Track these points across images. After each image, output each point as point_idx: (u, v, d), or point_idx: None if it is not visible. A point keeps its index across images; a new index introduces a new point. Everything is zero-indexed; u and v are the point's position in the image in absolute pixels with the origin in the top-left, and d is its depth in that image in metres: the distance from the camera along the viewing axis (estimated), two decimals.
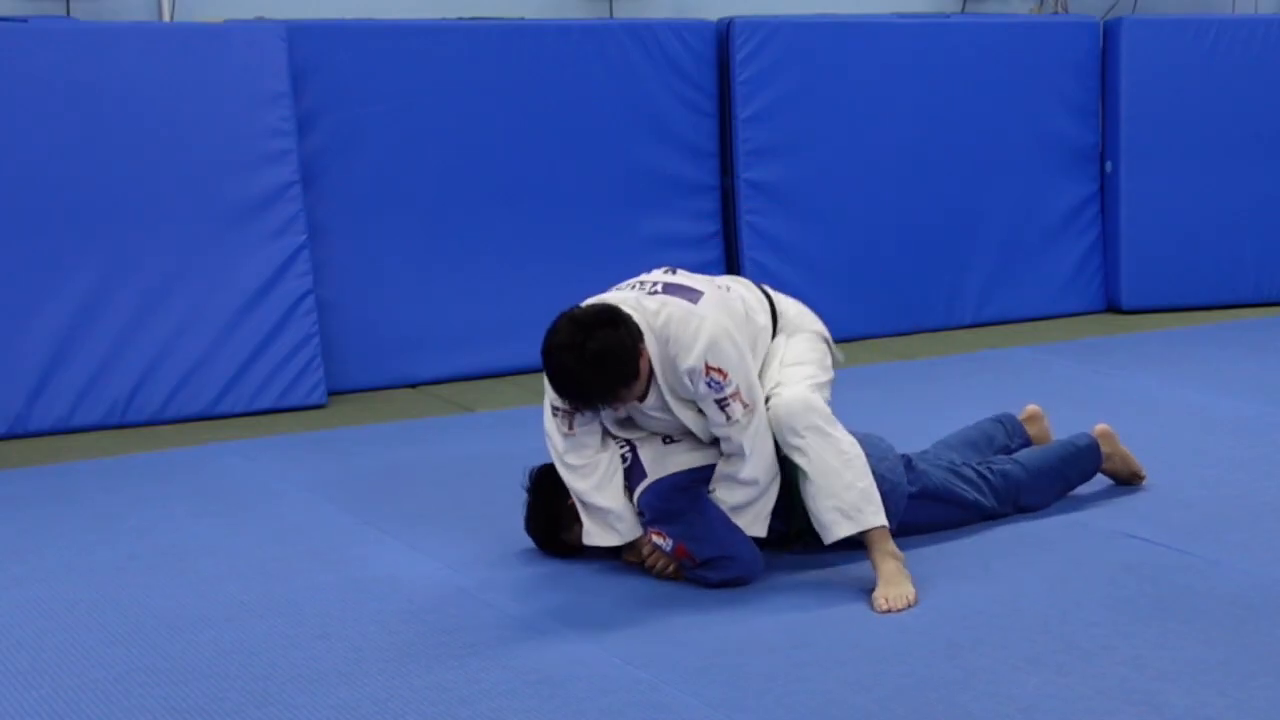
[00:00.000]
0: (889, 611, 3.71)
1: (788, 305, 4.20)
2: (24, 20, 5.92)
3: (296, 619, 3.75)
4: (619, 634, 3.60)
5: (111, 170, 5.85)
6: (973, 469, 4.35)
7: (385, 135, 6.39)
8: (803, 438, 3.85)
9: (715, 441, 3.94)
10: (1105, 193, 7.82)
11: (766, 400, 3.90)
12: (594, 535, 3.97)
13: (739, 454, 3.85)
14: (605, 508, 3.92)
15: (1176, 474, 4.81)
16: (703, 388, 3.77)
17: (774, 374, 3.98)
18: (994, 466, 4.39)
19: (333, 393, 6.27)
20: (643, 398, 3.86)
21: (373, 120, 6.36)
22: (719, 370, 3.76)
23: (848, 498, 3.85)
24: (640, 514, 3.94)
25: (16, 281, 5.75)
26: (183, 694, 3.31)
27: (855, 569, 4.00)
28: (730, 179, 7.08)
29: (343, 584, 3.99)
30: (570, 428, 3.91)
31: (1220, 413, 5.59)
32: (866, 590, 3.84)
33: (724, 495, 3.91)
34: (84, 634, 3.68)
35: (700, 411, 3.87)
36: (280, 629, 3.68)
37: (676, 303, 3.85)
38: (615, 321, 3.76)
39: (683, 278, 4.00)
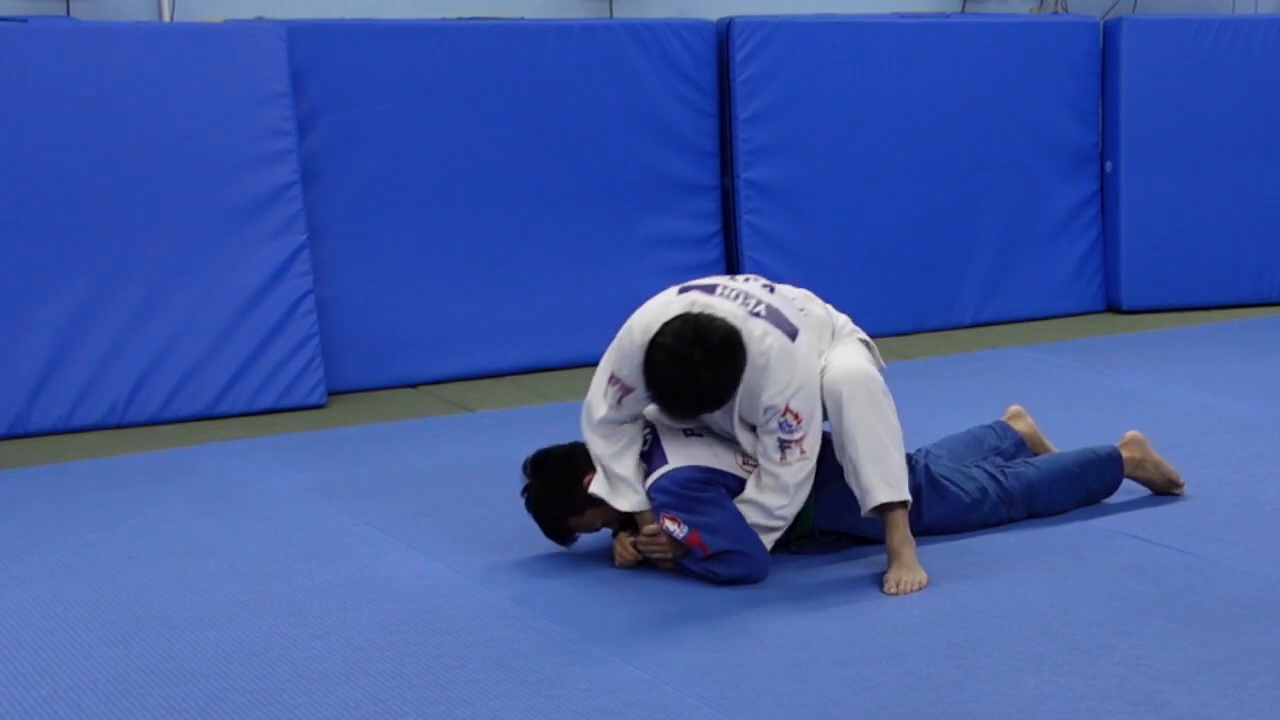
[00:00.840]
0: (897, 594, 3.78)
1: (836, 314, 4.30)
2: (24, 20, 5.92)
3: (296, 619, 3.75)
4: (619, 634, 3.60)
5: (111, 170, 5.85)
6: (985, 471, 4.34)
7: (385, 135, 6.39)
8: (857, 403, 3.92)
9: (736, 443, 3.99)
10: (1105, 193, 7.82)
11: (823, 371, 3.98)
12: (605, 492, 3.97)
13: (780, 490, 3.92)
14: (622, 475, 3.96)
15: None
16: (774, 424, 3.86)
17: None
18: (1008, 469, 4.38)
19: (333, 393, 6.27)
20: None
21: (373, 120, 6.36)
22: (796, 415, 3.87)
23: (892, 467, 3.92)
24: (650, 498, 3.96)
25: (16, 281, 5.75)
26: (183, 694, 3.31)
27: (855, 569, 4.01)
28: (730, 179, 7.08)
29: (343, 584, 3.99)
30: (620, 403, 3.93)
31: (1220, 413, 5.59)
32: (866, 591, 3.84)
33: (748, 513, 3.94)
34: (84, 634, 3.68)
35: (754, 433, 3.93)
36: (280, 629, 3.68)
37: (778, 335, 3.90)
38: (737, 352, 3.80)
39: (779, 300, 4.03)
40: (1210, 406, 5.69)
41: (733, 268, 7.11)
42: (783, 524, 3.97)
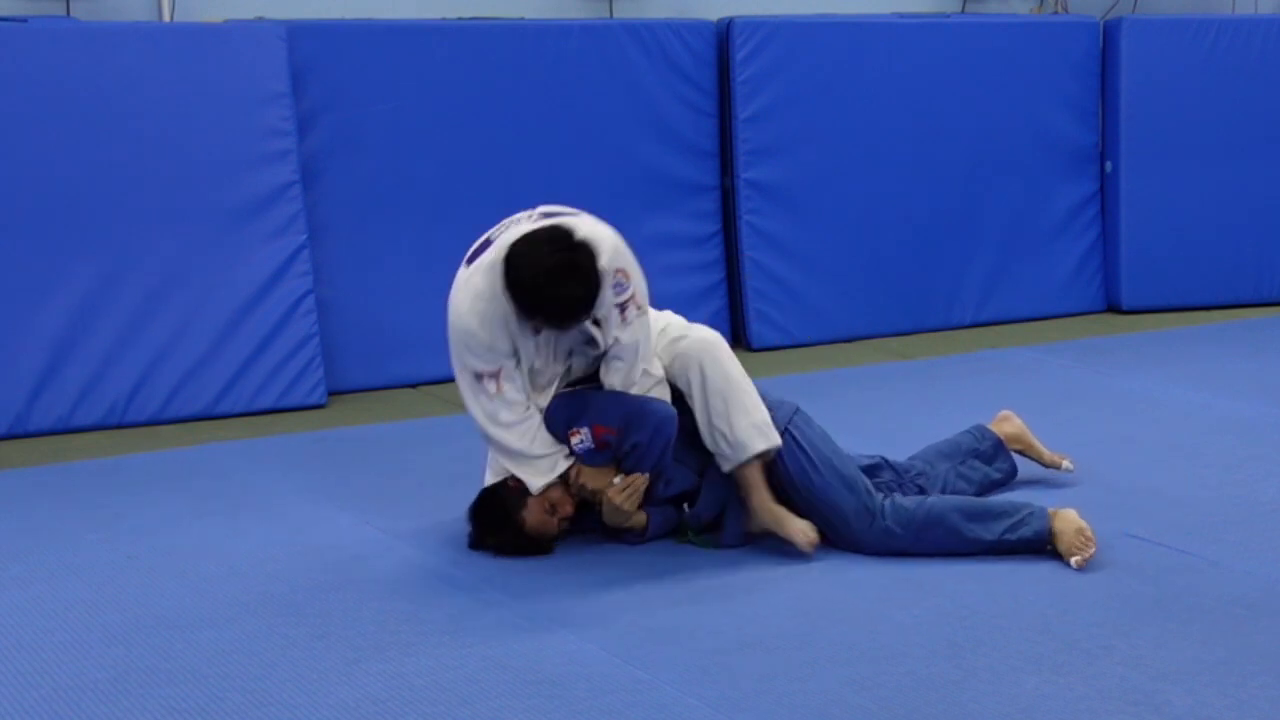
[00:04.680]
0: (813, 544, 4.03)
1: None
2: (24, 20, 5.92)
3: (296, 619, 3.75)
4: (619, 634, 3.60)
5: (111, 170, 5.85)
6: (887, 472, 4.37)
7: (385, 135, 6.39)
8: (719, 362, 4.15)
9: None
10: (1105, 193, 7.82)
11: (678, 339, 4.20)
12: (540, 479, 4.07)
13: (630, 356, 4.07)
14: (544, 454, 4.08)
15: (1176, 474, 4.81)
16: (609, 292, 3.97)
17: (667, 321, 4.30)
18: (904, 489, 4.33)
19: (333, 393, 6.27)
20: None
21: (373, 120, 6.36)
22: (623, 272, 4.03)
23: (759, 416, 4.11)
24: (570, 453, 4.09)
25: (16, 281, 5.75)
26: (183, 694, 3.31)
27: (854, 569, 4.01)
28: (730, 179, 7.08)
29: (342, 584, 3.99)
30: (498, 388, 4.02)
31: (1220, 413, 5.59)
32: (866, 591, 3.84)
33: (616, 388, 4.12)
34: (84, 634, 3.68)
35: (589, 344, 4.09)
36: (280, 629, 3.68)
37: (570, 218, 4.09)
38: (578, 237, 3.95)
39: (552, 208, 4.22)
40: (1210, 406, 5.69)
41: (733, 268, 7.11)
42: (653, 379, 4.12)
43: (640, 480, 4.09)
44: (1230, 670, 3.30)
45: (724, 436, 4.10)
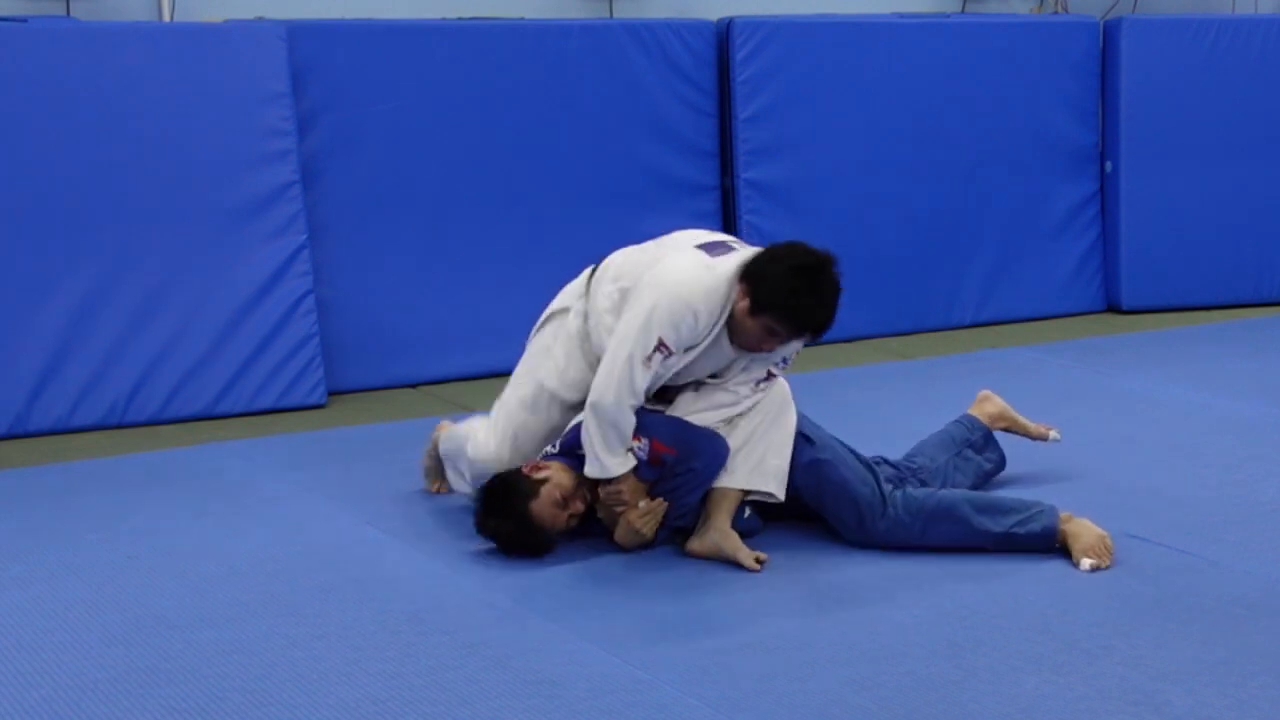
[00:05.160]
0: (764, 564, 4.02)
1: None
2: (24, 20, 5.92)
3: (296, 619, 3.75)
4: (619, 634, 3.60)
5: (111, 170, 5.85)
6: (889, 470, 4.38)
7: (385, 135, 6.39)
8: (789, 408, 4.28)
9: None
10: (1105, 193, 7.82)
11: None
12: (620, 465, 4.05)
13: (749, 393, 4.20)
14: (632, 445, 4.06)
15: (1176, 474, 4.81)
16: (777, 362, 4.20)
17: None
18: (909, 483, 4.36)
19: (333, 393, 6.27)
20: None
21: (373, 120, 6.36)
22: (791, 358, 4.27)
23: (780, 463, 4.19)
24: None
25: (16, 281, 5.75)
26: (183, 694, 3.31)
27: (854, 569, 4.01)
28: (730, 179, 7.08)
29: (343, 584, 3.99)
30: (661, 364, 4.02)
31: (1220, 413, 5.59)
32: (866, 591, 3.84)
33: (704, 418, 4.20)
34: (84, 634, 3.68)
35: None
36: (280, 629, 3.68)
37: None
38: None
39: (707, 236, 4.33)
40: (1210, 406, 5.69)
41: None
42: (729, 415, 4.18)
43: (662, 507, 4.09)
44: (1230, 670, 3.30)
45: (744, 457, 4.13)
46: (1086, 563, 3.94)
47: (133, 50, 5.87)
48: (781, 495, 4.15)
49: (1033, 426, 4.75)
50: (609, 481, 4.07)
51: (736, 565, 4.02)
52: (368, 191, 6.39)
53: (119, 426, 5.85)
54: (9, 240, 5.73)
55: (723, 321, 4.01)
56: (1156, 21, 7.86)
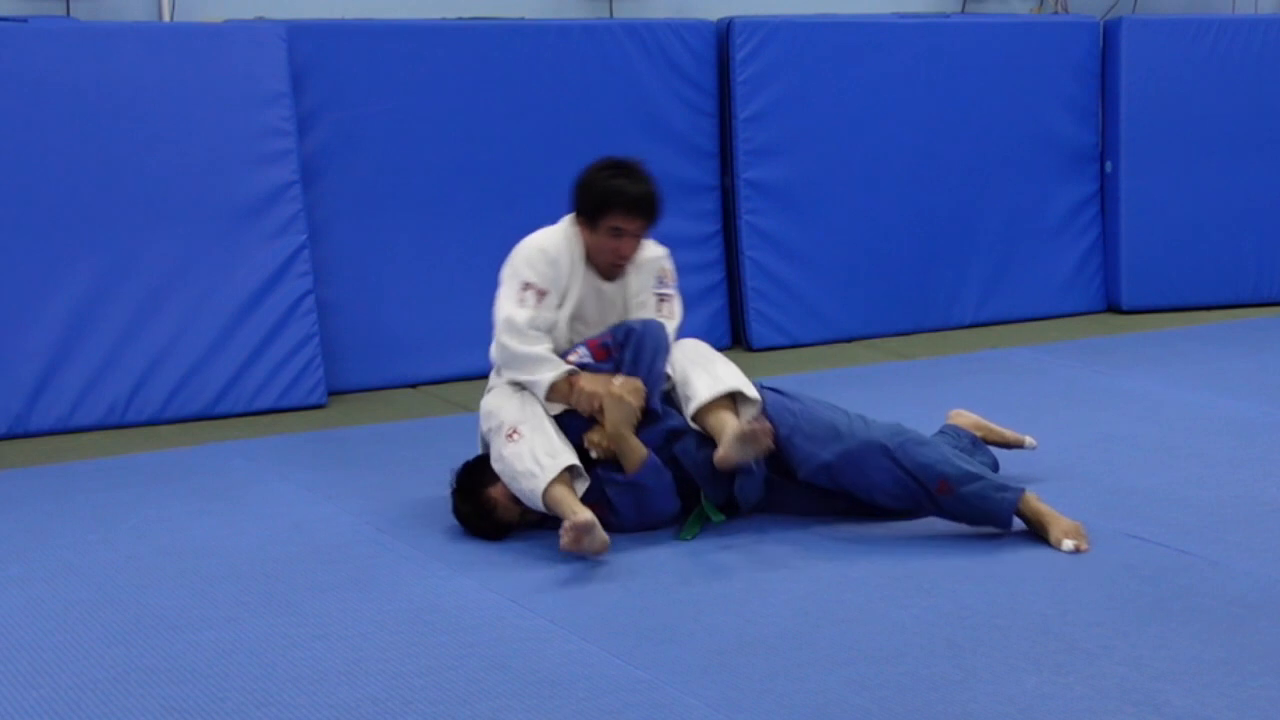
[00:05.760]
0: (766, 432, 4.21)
1: None
2: (24, 20, 5.92)
3: (296, 619, 3.75)
4: (619, 634, 3.61)
5: (111, 170, 5.85)
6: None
7: (385, 135, 6.39)
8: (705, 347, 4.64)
9: None
10: (1105, 193, 7.83)
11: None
12: (547, 374, 4.34)
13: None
14: (550, 358, 4.36)
15: (1176, 474, 4.82)
16: (653, 280, 4.56)
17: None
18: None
19: (333, 393, 6.27)
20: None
21: (373, 120, 6.36)
22: (669, 273, 4.64)
23: (740, 375, 4.46)
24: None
25: (16, 281, 5.75)
26: (183, 694, 3.31)
27: (853, 570, 4.01)
28: (730, 179, 7.08)
29: (342, 584, 3.99)
30: (538, 302, 4.41)
31: (1220, 413, 5.59)
32: (866, 591, 3.84)
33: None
34: (84, 634, 3.68)
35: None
36: (280, 629, 3.68)
37: None
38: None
39: None
40: (1210, 406, 5.69)
41: (733, 267, 7.11)
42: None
43: (635, 380, 4.31)
44: (1230, 670, 3.30)
45: (704, 377, 4.38)
46: (1068, 543, 4.04)
47: (132, 50, 5.87)
48: (754, 392, 4.37)
49: (1009, 434, 4.79)
50: (574, 396, 4.33)
51: (756, 448, 4.18)
52: (368, 191, 6.39)
53: (119, 426, 5.85)
54: (9, 240, 5.73)
55: (582, 262, 4.47)
56: (1156, 21, 7.87)
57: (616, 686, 3.30)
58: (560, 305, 4.45)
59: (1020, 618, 3.63)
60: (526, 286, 4.41)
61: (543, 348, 4.37)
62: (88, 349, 5.83)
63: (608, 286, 4.51)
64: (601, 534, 4.04)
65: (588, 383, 4.31)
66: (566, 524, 4.02)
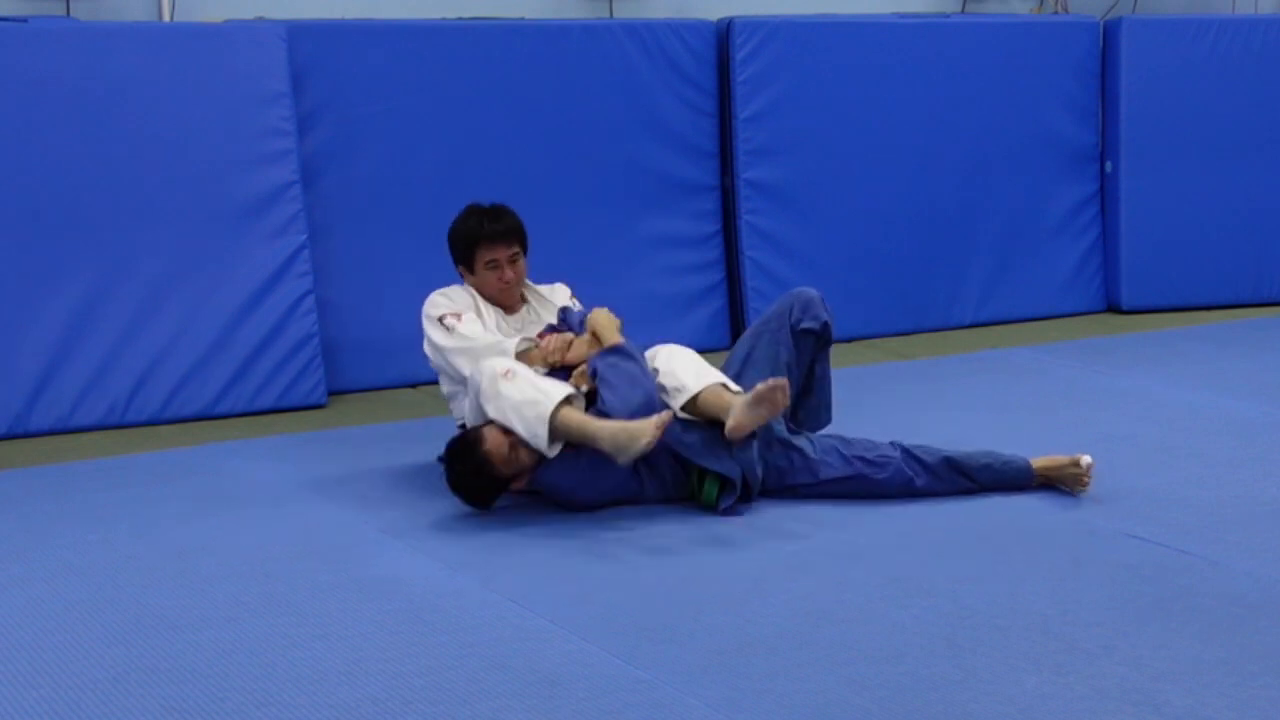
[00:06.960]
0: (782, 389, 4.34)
1: None
2: (24, 20, 5.92)
3: (296, 619, 3.75)
4: (619, 634, 3.60)
5: (111, 170, 5.85)
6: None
7: (385, 135, 6.39)
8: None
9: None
10: (1105, 193, 7.83)
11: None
12: (510, 341, 4.74)
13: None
14: (496, 340, 4.77)
15: (1176, 474, 4.82)
16: (566, 304, 5.06)
17: None
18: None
19: (333, 393, 6.27)
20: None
21: (373, 120, 6.36)
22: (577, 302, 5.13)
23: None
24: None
25: (16, 281, 5.75)
26: (183, 694, 3.31)
27: (853, 570, 4.01)
28: (730, 179, 7.08)
29: (343, 584, 3.99)
30: (458, 321, 4.85)
31: (1220, 413, 5.59)
32: (866, 591, 3.84)
33: None
34: (84, 634, 3.68)
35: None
36: (280, 629, 3.68)
37: None
38: None
39: None
40: (1210, 406, 5.69)
41: (733, 267, 7.11)
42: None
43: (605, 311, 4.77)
44: (1230, 670, 3.30)
45: (691, 371, 4.54)
46: (1086, 459, 4.49)
47: (132, 50, 5.87)
48: (737, 388, 4.50)
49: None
50: (543, 346, 4.74)
51: (771, 408, 4.31)
52: (368, 191, 6.39)
53: (119, 426, 5.85)
54: (9, 240, 5.73)
55: (486, 304, 4.95)
56: (1156, 21, 7.87)
57: (616, 686, 3.30)
58: (480, 318, 4.90)
59: (1020, 618, 3.63)
60: (442, 319, 4.89)
61: (492, 336, 4.79)
62: (88, 349, 5.83)
63: (520, 315, 5.01)
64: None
65: (553, 338, 4.75)
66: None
